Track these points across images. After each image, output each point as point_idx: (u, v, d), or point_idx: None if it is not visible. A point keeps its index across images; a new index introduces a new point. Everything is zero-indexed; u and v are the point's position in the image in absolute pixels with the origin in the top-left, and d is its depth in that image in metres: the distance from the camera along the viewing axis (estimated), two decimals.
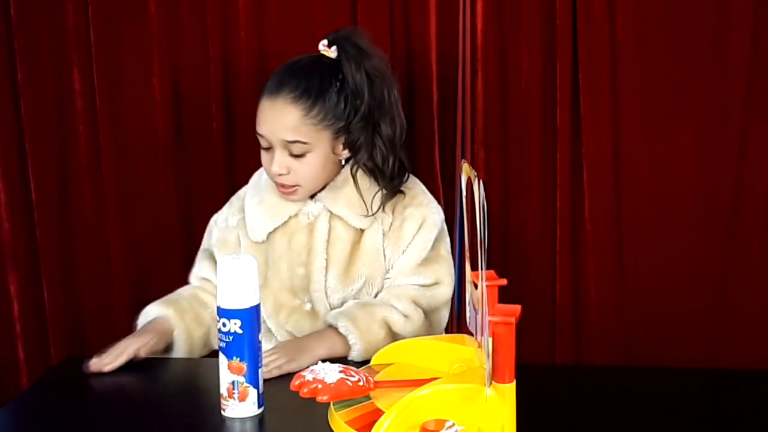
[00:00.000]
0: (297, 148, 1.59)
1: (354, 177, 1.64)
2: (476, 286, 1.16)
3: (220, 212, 1.76)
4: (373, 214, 1.63)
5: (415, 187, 1.69)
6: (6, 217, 2.08)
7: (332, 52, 1.63)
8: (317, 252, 1.64)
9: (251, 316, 1.29)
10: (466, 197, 1.15)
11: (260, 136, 1.62)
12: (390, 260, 1.65)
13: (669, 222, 1.98)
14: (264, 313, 1.67)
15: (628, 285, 2.01)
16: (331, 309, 1.62)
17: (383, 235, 1.65)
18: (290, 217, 1.65)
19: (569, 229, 1.99)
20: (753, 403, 1.36)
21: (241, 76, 2.01)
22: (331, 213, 1.64)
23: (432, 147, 1.98)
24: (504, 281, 1.21)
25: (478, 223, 1.05)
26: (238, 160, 2.05)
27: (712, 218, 1.97)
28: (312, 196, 1.65)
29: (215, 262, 1.66)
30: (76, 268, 2.12)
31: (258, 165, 1.97)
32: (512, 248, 2.02)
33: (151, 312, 1.62)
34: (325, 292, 1.64)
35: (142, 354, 1.51)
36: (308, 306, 1.65)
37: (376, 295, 1.65)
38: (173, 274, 2.07)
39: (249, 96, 2.01)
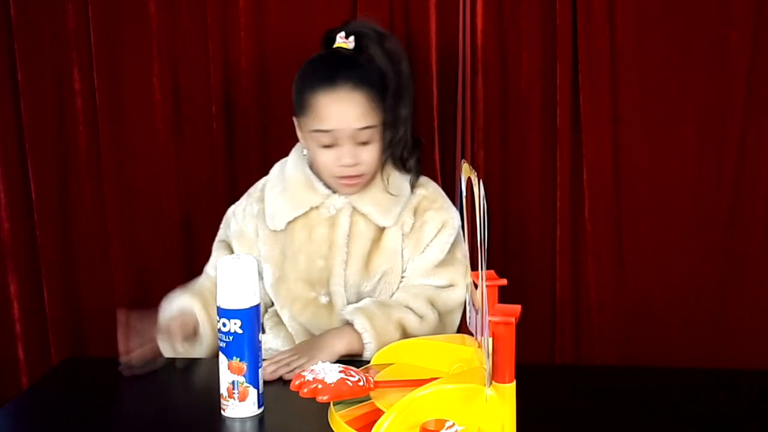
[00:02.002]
0: (364, 135, 1.60)
1: (381, 170, 1.67)
2: (476, 286, 1.16)
3: (237, 204, 1.76)
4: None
5: (435, 190, 1.72)
6: (6, 217, 2.08)
7: (350, 43, 1.65)
8: (339, 246, 1.65)
9: (251, 316, 1.29)
10: (466, 197, 1.15)
11: (324, 132, 1.59)
12: (407, 261, 1.67)
13: (669, 222, 1.98)
14: (277, 304, 1.69)
15: (628, 285, 2.01)
16: (348, 303, 1.64)
17: (403, 236, 1.66)
18: (311, 209, 1.66)
19: (569, 229, 1.99)
20: (753, 403, 1.36)
21: (241, 76, 2.01)
22: (354, 209, 1.66)
23: (432, 147, 1.98)
24: (504, 281, 1.21)
25: (478, 223, 1.05)
26: (238, 160, 2.05)
27: (712, 218, 1.97)
28: (335, 191, 1.67)
29: (233, 253, 1.69)
30: (76, 268, 2.12)
31: (258, 164, 1.98)
32: (512, 248, 2.02)
33: (176, 301, 1.61)
34: (344, 286, 1.65)
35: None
36: (324, 299, 1.66)
37: (392, 295, 1.66)
38: (173, 273, 2.07)
39: (249, 96, 2.02)
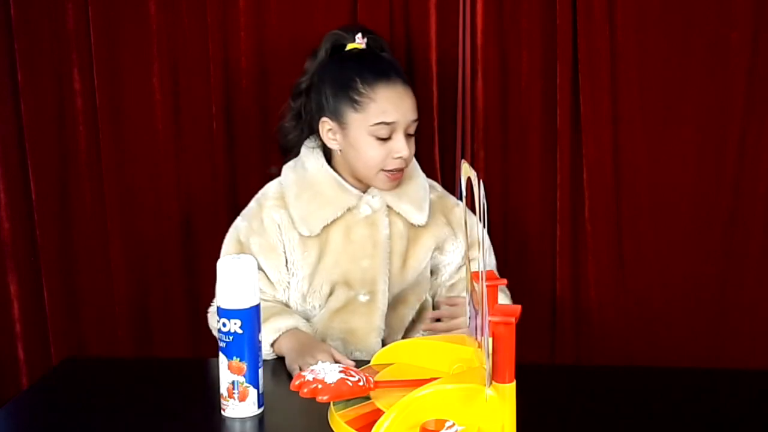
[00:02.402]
0: (413, 127, 1.68)
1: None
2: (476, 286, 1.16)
3: (248, 218, 1.71)
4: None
5: (442, 189, 1.81)
6: (6, 217, 2.08)
7: (363, 44, 1.72)
8: (383, 245, 1.68)
9: (251, 316, 1.29)
10: (466, 197, 1.15)
11: (386, 125, 1.64)
12: (459, 258, 1.74)
13: (669, 222, 1.98)
14: (309, 305, 1.69)
15: (628, 285, 2.01)
16: (388, 302, 1.69)
17: (446, 238, 1.74)
18: (347, 210, 1.68)
19: (569, 229, 1.99)
20: (753, 403, 1.36)
21: (241, 76, 2.01)
22: (390, 208, 1.69)
23: (432, 147, 1.98)
24: (504, 281, 1.21)
25: (477, 225, 1.05)
26: (238, 160, 2.05)
27: (712, 218, 1.97)
28: (364, 190, 1.70)
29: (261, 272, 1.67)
30: (76, 268, 2.11)
31: (258, 164, 1.98)
32: (512, 248, 2.02)
33: (282, 326, 1.58)
34: (388, 285, 1.68)
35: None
36: (364, 298, 1.68)
37: (424, 292, 1.75)
38: (173, 274, 2.07)
39: (249, 96, 2.01)
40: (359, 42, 1.72)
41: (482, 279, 1.08)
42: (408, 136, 1.67)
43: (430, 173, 1.89)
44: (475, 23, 1.95)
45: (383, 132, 1.64)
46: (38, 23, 2.02)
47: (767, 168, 1.95)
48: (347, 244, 1.67)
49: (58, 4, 2.01)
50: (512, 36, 1.95)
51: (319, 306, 1.69)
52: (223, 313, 1.29)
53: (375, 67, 1.67)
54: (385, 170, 1.66)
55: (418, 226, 1.71)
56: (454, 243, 1.75)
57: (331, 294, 1.68)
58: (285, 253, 1.68)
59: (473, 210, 1.08)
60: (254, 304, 1.30)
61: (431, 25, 1.96)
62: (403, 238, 1.70)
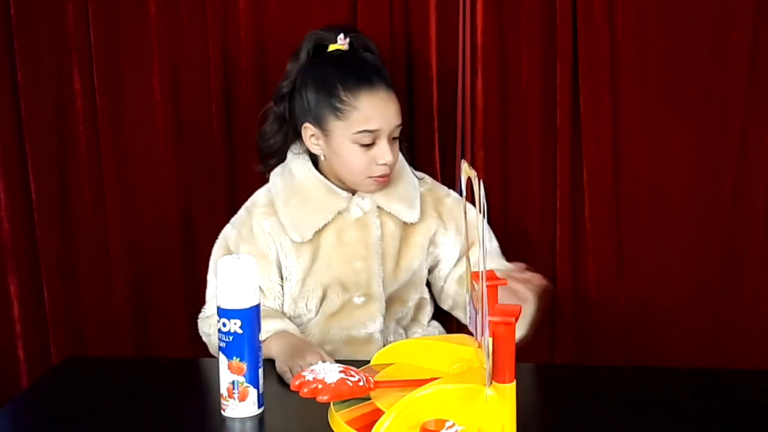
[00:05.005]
0: (397, 132, 1.67)
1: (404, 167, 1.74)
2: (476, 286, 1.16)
3: (238, 225, 1.72)
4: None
5: (433, 181, 1.81)
6: (6, 217, 2.08)
7: (346, 45, 1.70)
8: (375, 247, 1.67)
9: (251, 316, 1.29)
10: (466, 197, 1.15)
11: (368, 132, 1.63)
12: (454, 248, 1.74)
13: (669, 222, 1.98)
14: (305, 310, 1.69)
15: (628, 285, 2.01)
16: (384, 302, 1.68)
17: (436, 230, 1.73)
18: (338, 213, 1.67)
19: (569, 229, 1.99)
20: (753, 403, 1.36)
21: (241, 76, 2.01)
22: (381, 209, 1.69)
23: (432, 147, 1.98)
24: (504, 281, 1.21)
25: (478, 223, 1.05)
26: (238, 160, 2.05)
27: (712, 218, 1.97)
28: (353, 192, 1.69)
29: None
30: (76, 268, 2.11)
31: (256, 164, 1.98)
32: (512, 249, 2.02)
33: (271, 328, 1.56)
34: (383, 286, 1.68)
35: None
36: (359, 300, 1.68)
37: (419, 291, 1.75)
38: (173, 274, 2.07)
39: (249, 96, 2.01)
40: (341, 43, 1.70)
41: (482, 279, 1.08)
42: (392, 140, 1.66)
43: (430, 173, 1.90)
44: (475, 23, 1.95)
45: (366, 139, 1.63)
46: (38, 23, 2.02)
47: (767, 168, 1.95)
48: (339, 247, 1.67)
49: (58, 4, 2.01)
50: (512, 36, 1.95)
51: (314, 309, 1.68)
52: (223, 313, 1.29)
53: (357, 73, 1.64)
54: (371, 176, 1.65)
55: (411, 223, 1.71)
56: (444, 235, 1.74)
57: (324, 297, 1.68)
58: (278, 258, 1.68)
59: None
60: (254, 304, 1.30)
61: (431, 25, 1.96)
62: (395, 238, 1.69)
